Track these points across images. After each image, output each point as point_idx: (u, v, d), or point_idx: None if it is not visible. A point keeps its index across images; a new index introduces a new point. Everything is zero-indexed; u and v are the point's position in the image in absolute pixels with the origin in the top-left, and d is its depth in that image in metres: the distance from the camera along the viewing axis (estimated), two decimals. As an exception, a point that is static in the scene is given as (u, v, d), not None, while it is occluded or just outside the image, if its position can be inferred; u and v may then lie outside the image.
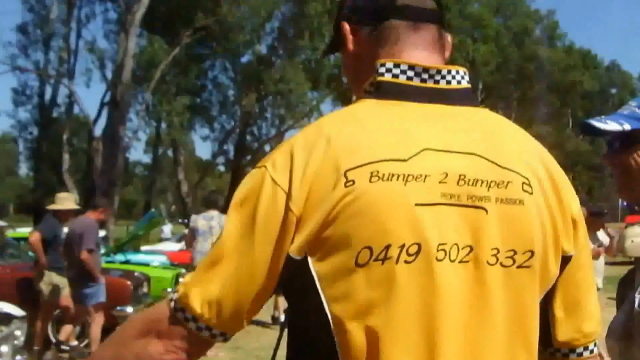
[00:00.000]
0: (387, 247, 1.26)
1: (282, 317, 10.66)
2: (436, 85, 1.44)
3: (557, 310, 1.46)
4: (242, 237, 1.32)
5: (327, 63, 38.15)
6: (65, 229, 9.29)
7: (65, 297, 9.12)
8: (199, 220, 9.84)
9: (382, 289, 1.26)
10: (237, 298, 1.32)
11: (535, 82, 56.40)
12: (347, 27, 1.56)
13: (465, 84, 1.47)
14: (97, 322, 8.81)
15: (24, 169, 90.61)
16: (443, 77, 1.44)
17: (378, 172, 1.28)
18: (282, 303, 10.86)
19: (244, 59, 40.69)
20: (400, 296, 1.26)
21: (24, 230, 16.45)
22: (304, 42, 37.01)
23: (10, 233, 15.78)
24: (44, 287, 9.08)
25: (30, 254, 11.90)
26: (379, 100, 1.42)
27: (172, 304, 1.36)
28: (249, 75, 38.34)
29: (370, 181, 1.27)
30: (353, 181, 1.27)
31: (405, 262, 1.26)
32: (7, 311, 7.27)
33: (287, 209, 1.29)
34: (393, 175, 1.28)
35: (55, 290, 9.12)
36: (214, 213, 9.89)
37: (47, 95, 42.59)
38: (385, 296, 1.26)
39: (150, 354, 1.34)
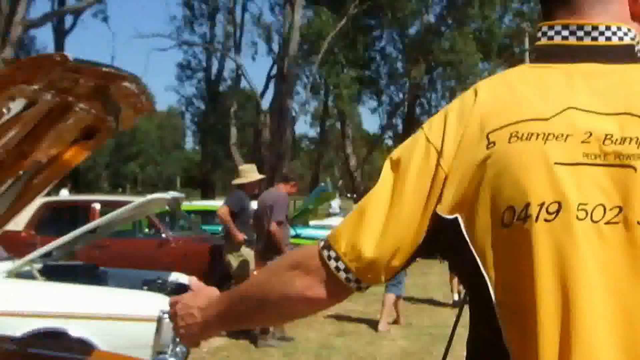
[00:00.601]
0: (527, 206, 1.26)
1: (456, 297, 10.83)
2: (594, 43, 1.41)
3: None
4: (393, 190, 1.39)
5: (498, 32, 36.90)
6: (254, 204, 9.68)
7: (251, 272, 9.20)
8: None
9: (524, 247, 1.26)
10: (379, 247, 1.37)
11: None
12: None
13: (628, 40, 1.41)
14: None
15: (190, 143, 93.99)
16: (601, 34, 1.41)
17: (517, 132, 1.30)
18: (457, 282, 11.38)
19: (412, 30, 39.92)
20: (541, 254, 1.25)
21: (196, 204, 16.68)
22: (474, 11, 35.76)
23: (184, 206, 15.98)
24: (233, 260, 9.28)
25: (204, 227, 11.99)
26: (532, 64, 1.44)
27: (322, 242, 1.45)
28: (418, 46, 37.46)
29: (509, 142, 1.30)
30: (494, 143, 1.31)
31: (546, 220, 1.26)
32: (182, 282, 7.40)
33: (438, 165, 1.35)
34: (532, 134, 1.29)
35: (244, 263, 9.25)
36: None
37: (213, 69, 43.39)
38: (528, 254, 1.26)
39: (294, 286, 1.45)
